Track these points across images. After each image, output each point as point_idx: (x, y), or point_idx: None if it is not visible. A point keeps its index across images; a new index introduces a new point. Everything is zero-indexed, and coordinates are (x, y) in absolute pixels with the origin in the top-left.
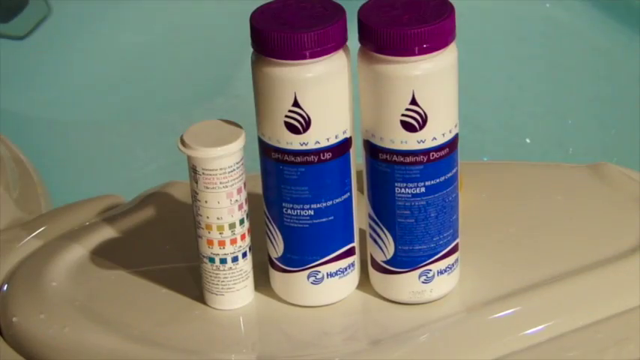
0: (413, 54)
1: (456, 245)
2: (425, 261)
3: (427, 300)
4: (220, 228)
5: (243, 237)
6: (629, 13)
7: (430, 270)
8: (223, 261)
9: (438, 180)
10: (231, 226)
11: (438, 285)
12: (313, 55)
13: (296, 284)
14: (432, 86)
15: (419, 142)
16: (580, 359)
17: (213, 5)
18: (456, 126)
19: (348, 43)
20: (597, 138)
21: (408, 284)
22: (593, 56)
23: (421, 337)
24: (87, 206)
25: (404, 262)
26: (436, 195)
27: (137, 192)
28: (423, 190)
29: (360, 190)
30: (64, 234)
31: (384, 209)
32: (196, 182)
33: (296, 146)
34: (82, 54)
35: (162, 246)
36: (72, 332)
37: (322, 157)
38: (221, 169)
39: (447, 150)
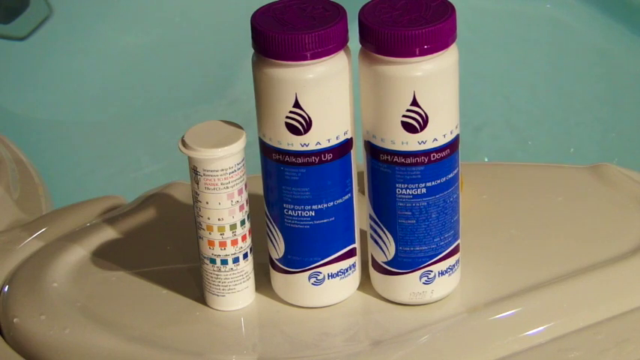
0: (414, 55)
1: (457, 246)
2: (426, 262)
3: (428, 301)
4: (221, 229)
5: (244, 238)
6: (629, 13)
7: (431, 271)
8: (224, 262)
9: (438, 181)
10: (232, 227)
11: (438, 286)
12: (314, 56)
13: (297, 285)
14: (432, 87)
15: (420, 143)
16: None
17: (213, 6)
18: (456, 127)
19: (348, 43)
20: (598, 139)
21: (408, 285)
22: (593, 57)
23: (422, 338)
24: (88, 207)
25: (405, 263)
26: (437, 196)
27: (138, 193)
28: (423, 191)
29: (361, 191)
30: (64, 235)
31: (384, 210)
32: (197, 183)
33: (297, 147)
34: (82, 55)
35: (163, 247)
36: (73, 333)
37: (323, 158)
38: (222, 170)
39: (447, 151)
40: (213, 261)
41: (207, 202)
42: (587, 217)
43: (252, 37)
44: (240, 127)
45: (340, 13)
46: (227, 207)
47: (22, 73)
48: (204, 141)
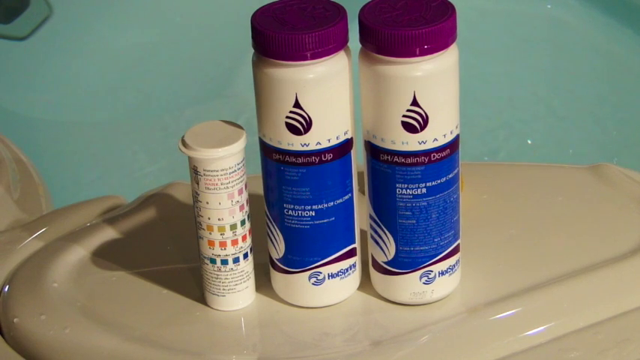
0: (414, 55)
1: (457, 246)
2: (426, 262)
3: (428, 301)
4: (221, 229)
5: (244, 238)
6: (630, 13)
7: (431, 271)
8: (224, 262)
9: (439, 181)
10: (233, 227)
11: (439, 286)
12: (314, 56)
13: (297, 285)
14: (433, 87)
15: (420, 143)
16: None
17: (213, 6)
18: (457, 127)
19: (349, 43)
20: (598, 139)
21: (409, 285)
22: (593, 57)
23: (422, 338)
24: (88, 207)
25: (405, 263)
26: (437, 196)
27: (138, 193)
28: (424, 190)
29: (362, 190)
30: (65, 235)
31: (385, 210)
32: (197, 183)
33: (297, 147)
34: (82, 55)
35: (164, 247)
36: (73, 333)
37: (323, 158)
38: (222, 170)
39: (448, 151)
40: (213, 261)
41: (207, 202)
42: (587, 217)
43: (253, 37)
44: (240, 127)
45: (340, 13)
46: (227, 207)
47: (22, 73)
48: (205, 141)
